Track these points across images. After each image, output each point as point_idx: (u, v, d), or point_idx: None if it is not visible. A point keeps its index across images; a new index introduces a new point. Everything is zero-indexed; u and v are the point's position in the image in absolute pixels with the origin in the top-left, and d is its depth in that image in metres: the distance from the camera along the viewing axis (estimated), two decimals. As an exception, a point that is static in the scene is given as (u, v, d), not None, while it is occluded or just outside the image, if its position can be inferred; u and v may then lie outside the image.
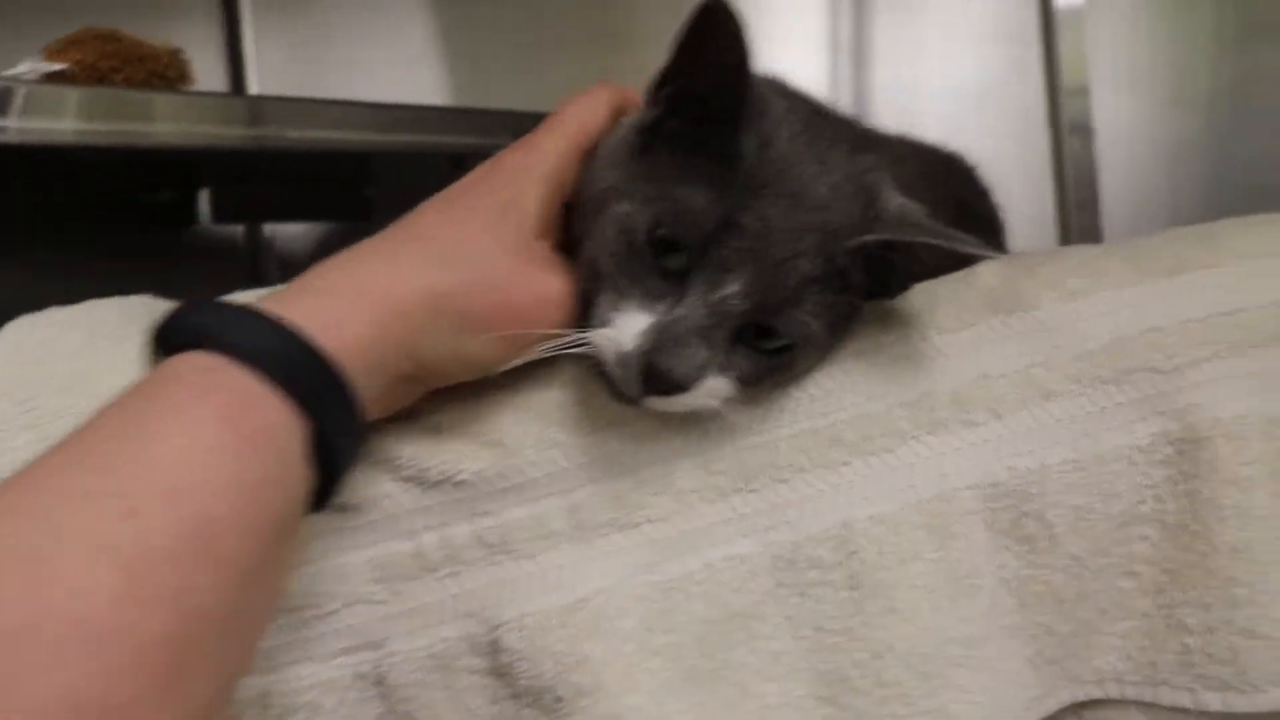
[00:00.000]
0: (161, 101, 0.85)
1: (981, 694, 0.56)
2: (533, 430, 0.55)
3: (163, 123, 0.84)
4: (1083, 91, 1.45)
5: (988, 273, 0.61)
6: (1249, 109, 1.46)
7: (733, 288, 0.53)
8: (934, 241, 0.55)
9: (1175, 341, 0.58)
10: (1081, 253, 0.63)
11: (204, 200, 1.22)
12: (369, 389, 0.48)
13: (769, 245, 0.53)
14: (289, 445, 0.44)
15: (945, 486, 0.57)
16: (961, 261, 0.60)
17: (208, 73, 1.24)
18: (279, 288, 0.50)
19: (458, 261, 0.51)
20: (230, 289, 0.59)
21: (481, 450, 0.55)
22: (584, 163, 0.59)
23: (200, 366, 0.43)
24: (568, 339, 0.54)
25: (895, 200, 0.57)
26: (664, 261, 0.54)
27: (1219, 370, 0.58)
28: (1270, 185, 1.41)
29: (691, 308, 0.53)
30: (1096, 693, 0.60)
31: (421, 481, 0.54)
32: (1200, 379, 0.58)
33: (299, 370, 0.44)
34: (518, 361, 0.54)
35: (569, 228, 0.59)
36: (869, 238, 0.55)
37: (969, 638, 0.56)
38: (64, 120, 0.79)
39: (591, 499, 0.55)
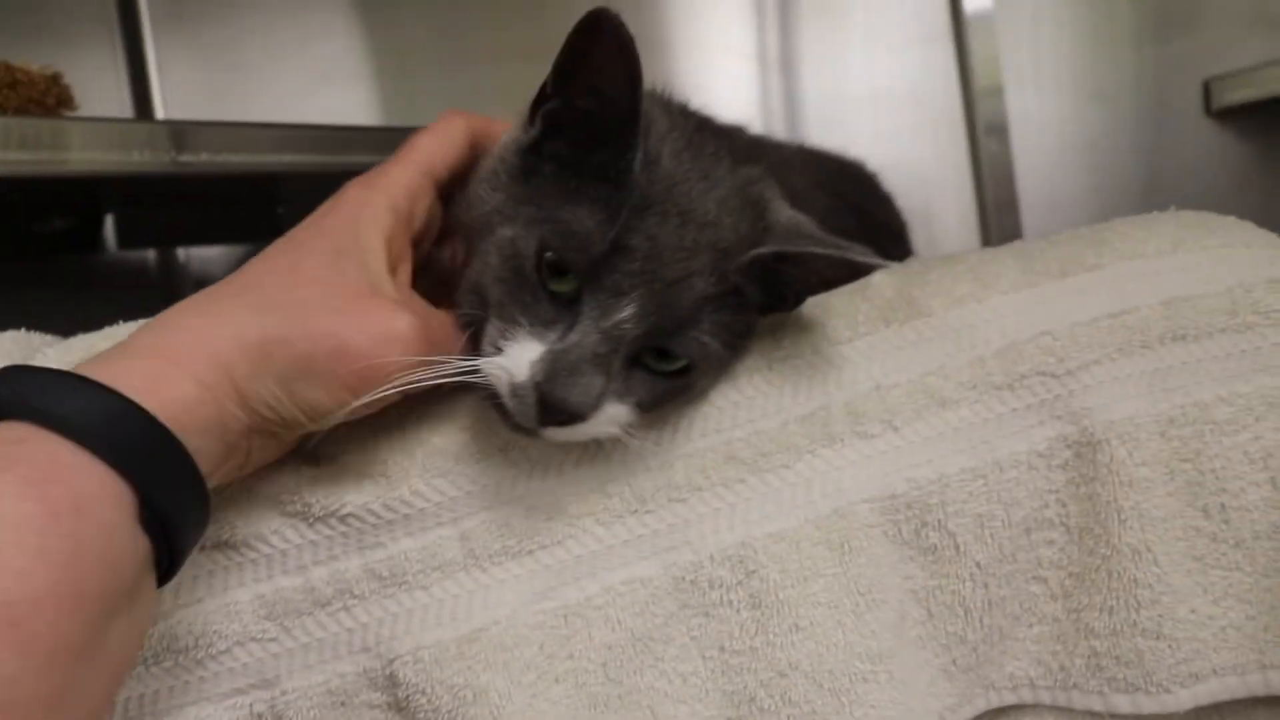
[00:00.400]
0: (70, 129, 0.83)
1: (892, 708, 0.56)
2: (418, 459, 0.54)
3: (71, 150, 0.82)
4: (996, 92, 1.46)
5: (881, 282, 0.60)
6: (1161, 102, 1.48)
7: (626, 312, 0.51)
8: (823, 252, 0.54)
9: (1066, 345, 0.58)
10: (973, 257, 0.63)
11: (109, 226, 1.19)
12: (205, 448, 0.45)
13: (661, 266, 0.52)
14: (109, 514, 0.41)
15: (843, 501, 0.56)
16: (856, 271, 0.59)
17: (111, 98, 1.21)
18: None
19: (281, 307, 0.48)
20: (145, 314, 0.57)
21: (365, 483, 0.53)
22: (455, 189, 0.58)
23: (7, 438, 0.40)
24: (454, 368, 0.52)
25: (784, 212, 0.57)
26: (553, 287, 0.53)
27: (1110, 372, 0.58)
28: (1184, 176, 1.43)
29: (585, 334, 0.51)
30: (1011, 699, 0.60)
31: (306, 516, 0.53)
32: (1091, 381, 0.58)
33: (115, 433, 0.41)
34: (366, 400, 0.50)
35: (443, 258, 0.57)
36: (760, 251, 0.54)
37: (876, 652, 0.56)
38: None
39: (483, 527, 0.54)
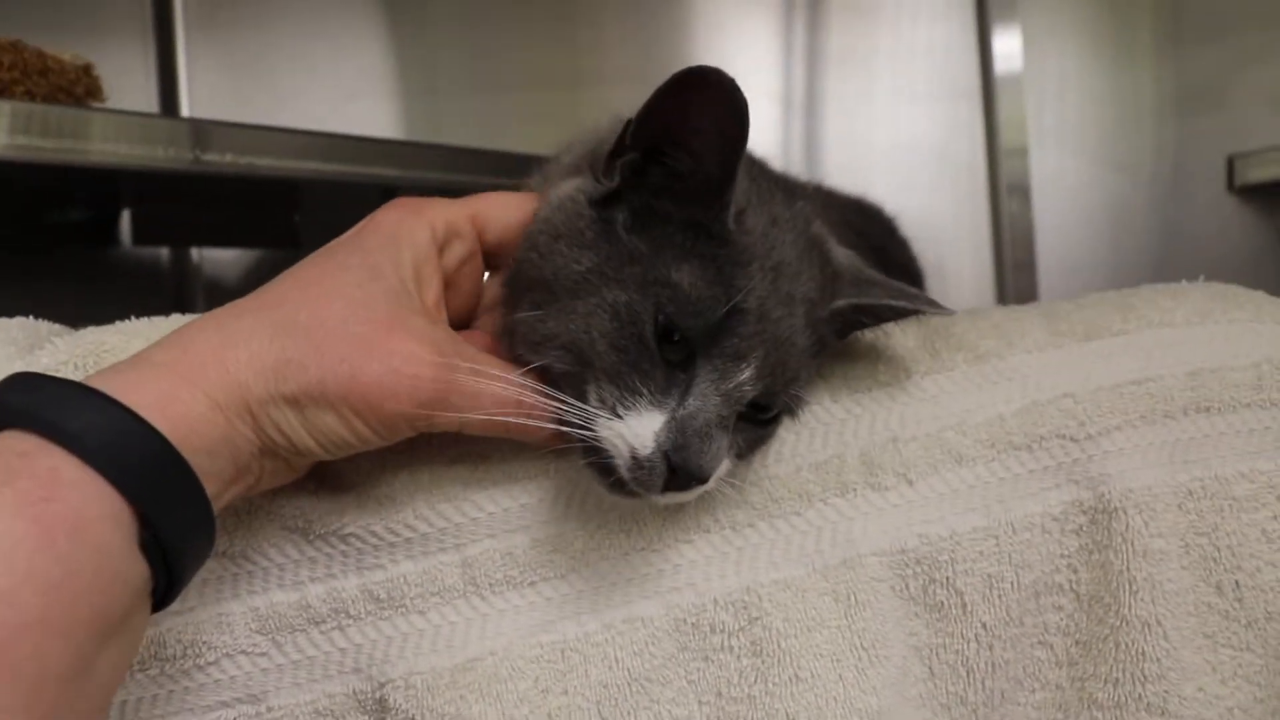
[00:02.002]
0: (94, 120, 0.83)
1: (888, 765, 0.55)
2: (424, 483, 0.53)
3: (94, 141, 0.82)
4: (1021, 152, 1.46)
5: (902, 333, 0.60)
6: (1183, 175, 1.48)
7: (746, 374, 0.50)
8: (898, 304, 0.54)
9: (1087, 408, 0.57)
10: (998, 314, 0.62)
11: (125, 222, 1.19)
12: (214, 469, 0.43)
13: (771, 325, 0.51)
14: (108, 537, 0.39)
15: (852, 552, 0.55)
16: (894, 312, 0.57)
17: (139, 93, 1.22)
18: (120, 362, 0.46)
19: (301, 329, 0.46)
20: (153, 313, 0.56)
21: (368, 503, 0.52)
22: (512, 243, 0.55)
23: (12, 449, 0.39)
24: (569, 432, 0.50)
25: (841, 253, 0.56)
26: (667, 351, 0.50)
27: (1130, 439, 0.57)
28: (1203, 249, 1.43)
29: (706, 398, 0.50)
30: (1008, 764, 0.58)
31: (306, 533, 0.52)
32: (1112, 448, 0.57)
33: (123, 453, 0.40)
34: (468, 418, 0.48)
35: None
36: (842, 303, 0.53)
37: (875, 709, 0.55)
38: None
39: (486, 556, 0.53)
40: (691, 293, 0.49)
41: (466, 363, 0.48)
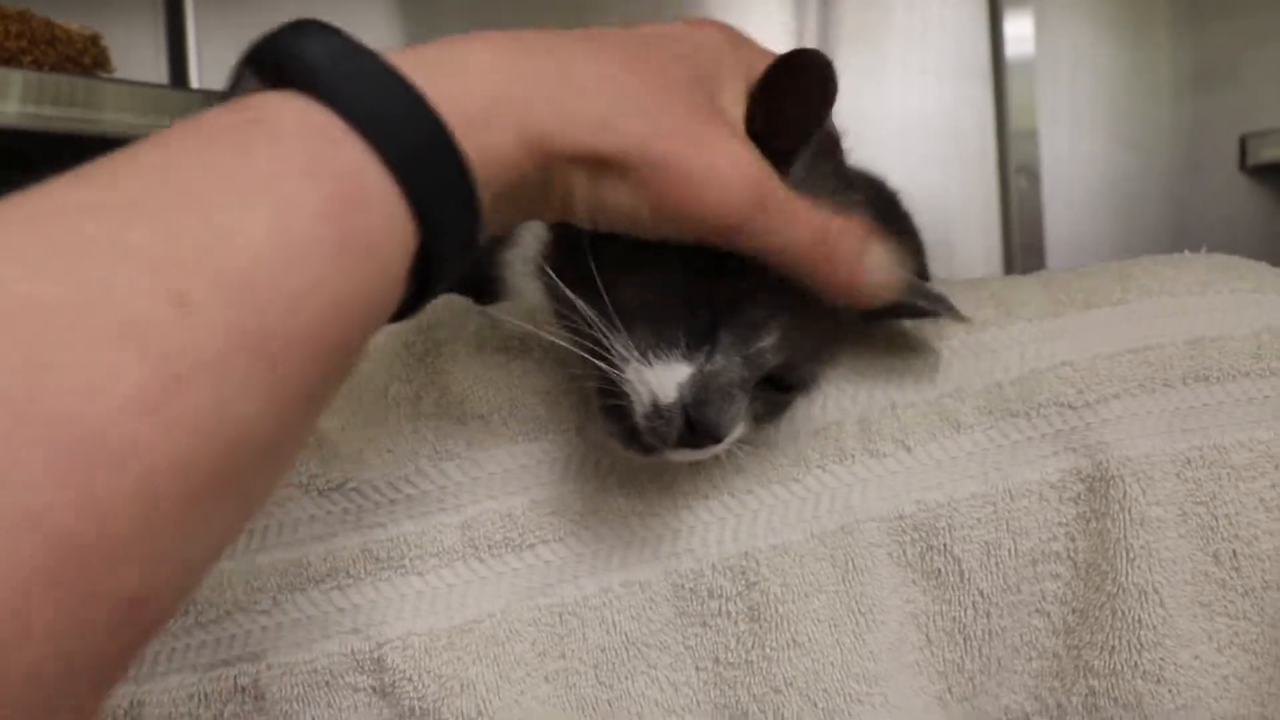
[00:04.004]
0: (105, 90, 0.83)
1: (885, 731, 0.55)
2: (428, 440, 0.53)
3: (105, 111, 0.82)
4: (1031, 135, 1.46)
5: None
6: (1195, 156, 1.47)
7: (767, 341, 0.50)
8: (916, 305, 0.54)
9: (1086, 376, 0.57)
10: (996, 283, 0.62)
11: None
12: (493, 215, 0.39)
13: (801, 300, 0.50)
14: (391, 256, 0.35)
15: (850, 518, 0.56)
16: (912, 312, 0.58)
17: (148, 65, 1.22)
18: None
19: (630, 95, 0.42)
20: None
21: (370, 457, 0.53)
22: None
23: (304, 122, 0.34)
24: (599, 365, 0.50)
25: None
26: (702, 312, 0.50)
27: (1129, 408, 0.57)
28: (1214, 229, 1.42)
29: (729, 358, 0.50)
30: (1004, 733, 0.59)
31: (308, 488, 0.53)
32: (1110, 416, 0.57)
33: (423, 160, 0.35)
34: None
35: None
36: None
37: (873, 674, 0.55)
38: (7, 103, 0.77)
39: (485, 517, 0.54)
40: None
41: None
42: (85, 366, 0.27)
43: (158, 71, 1.24)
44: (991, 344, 0.58)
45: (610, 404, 0.51)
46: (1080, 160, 1.47)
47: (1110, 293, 0.60)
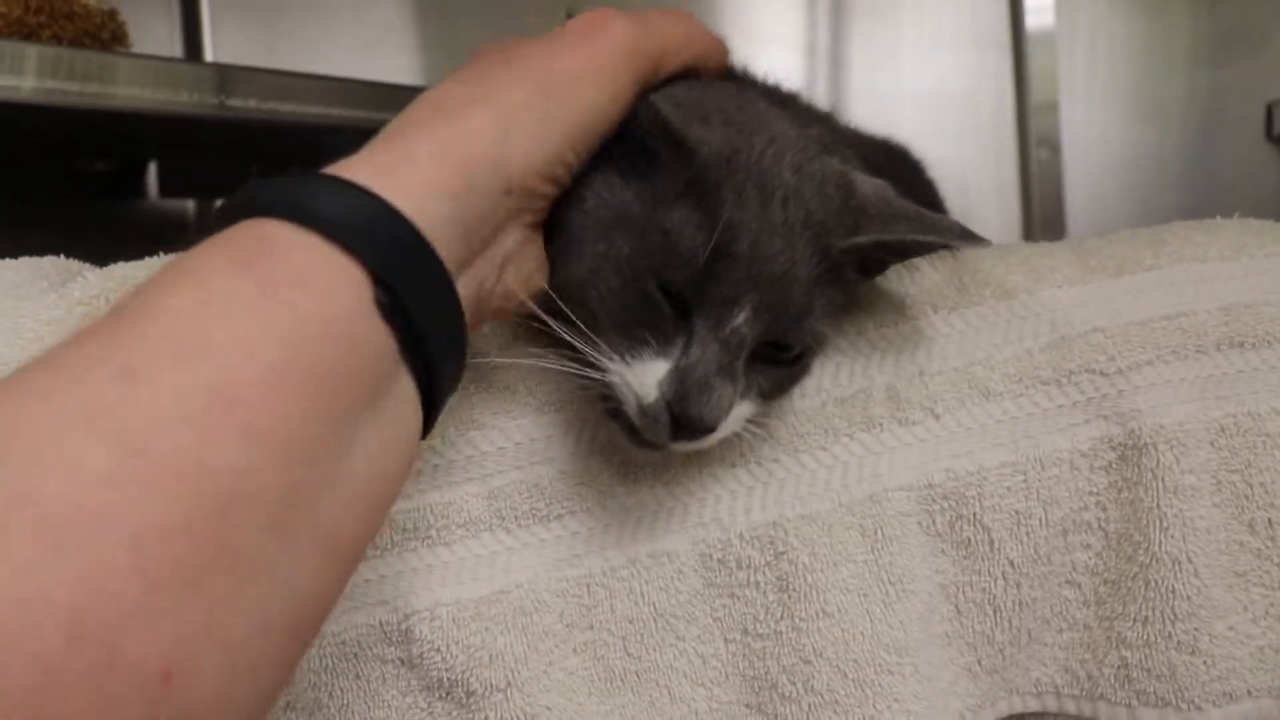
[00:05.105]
0: (119, 64, 0.83)
1: (915, 702, 0.55)
2: (454, 408, 0.53)
3: (118, 85, 0.82)
4: (1052, 106, 1.44)
5: (929, 267, 0.59)
6: (1217, 125, 1.45)
7: (740, 318, 0.49)
8: (926, 239, 0.52)
9: (1118, 343, 0.56)
10: (1026, 249, 0.61)
11: (151, 173, 1.20)
12: (450, 223, 0.41)
13: (765, 263, 0.49)
14: (335, 291, 0.36)
15: (878, 487, 0.55)
16: (922, 247, 0.55)
17: (163, 40, 1.22)
18: None
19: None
20: None
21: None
22: None
23: (233, 232, 0.37)
24: (585, 373, 0.50)
25: (869, 184, 0.54)
26: (671, 303, 0.49)
27: (1162, 375, 0.56)
28: (1239, 199, 1.41)
29: (705, 346, 0.49)
30: (1034, 705, 0.59)
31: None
32: (1142, 383, 0.56)
33: (335, 206, 0.37)
34: None
35: None
36: (861, 239, 0.51)
37: (903, 644, 0.55)
38: (24, 78, 0.77)
39: (512, 487, 0.53)
40: (679, 243, 0.49)
41: None
42: (62, 455, 0.29)
43: (171, 45, 1.24)
44: (1021, 311, 0.57)
45: (611, 406, 0.51)
46: (1101, 132, 1.45)
47: (1142, 258, 0.59)
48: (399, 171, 0.40)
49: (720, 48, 0.54)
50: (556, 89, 0.46)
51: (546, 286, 0.51)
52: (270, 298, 0.34)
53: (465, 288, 0.43)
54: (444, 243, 0.40)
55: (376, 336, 0.37)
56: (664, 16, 0.51)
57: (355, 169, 0.39)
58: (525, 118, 0.44)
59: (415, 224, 0.39)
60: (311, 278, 0.36)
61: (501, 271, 0.46)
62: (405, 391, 0.39)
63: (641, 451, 0.53)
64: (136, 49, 0.92)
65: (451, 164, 0.42)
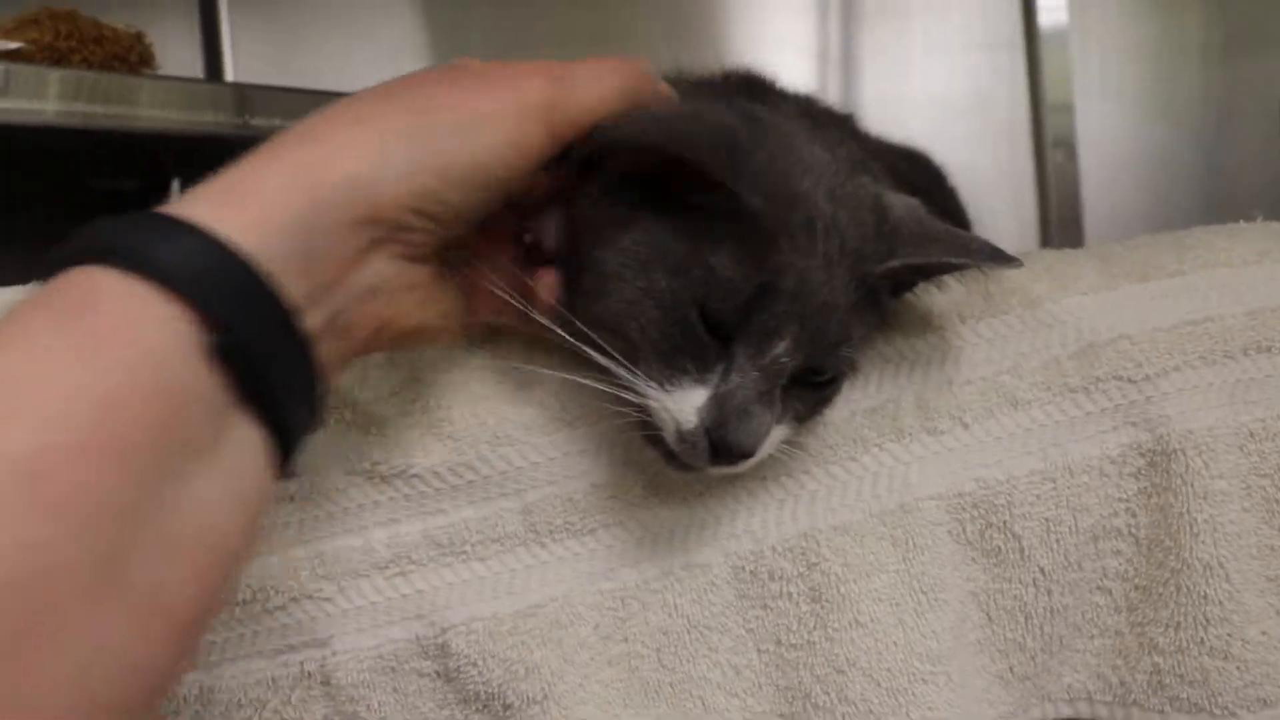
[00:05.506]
0: (142, 86, 0.84)
1: (948, 710, 0.55)
2: (489, 426, 0.53)
3: (141, 107, 0.83)
4: (1067, 107, 1.44)
5: (954, 278, 0.59)
6: (1233, 123, 1.45)
7: (781, 347, 0.50)
8: (956, 260, 0.52)
9: (1145, 349, 0.57)
10: (1050, 256, 0.62)
11: (175, 192, 1.21)
12: (294, 256, 0.39)
13: (808, 297, 0.50)
14: (156, 342, 0.34)
15: (909, 497, 0.55)
16: (954, 267, 0.55)
17: (184, 61, 1.23)
18: None
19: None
20: None
21: (432, 444, 0.53)
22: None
23: (62, 282, 0.35)
24: (625, 401, 0.50)
25: (899, 204, 0.54)
26: (710, 332, 0.50)
27: (1189, 380, 0.56)
28: (1255, 198, 1.40)
29: (745, 373, 0.49)
30: (1067, 711, 0.59)
31: (371, 475, 0.53)
32: (1170, 389, 0.56)
33: (166, 250, 0.35)
34: None
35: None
36: (895, 263, 0.52)
37: (935, 653, 0.55)
38: (46, 101, 0.78)
39: (546, 502, 0.54)
40: (723, 274, 0.49)
41: None
42: None
43: (194, 68, 1.25)
44: (1047, 319, 0.57)
45: (649, 433, 0.51)
46: (1117, 132, 1.45)
47: (1165, 264, 0.59)
48: (244, 203, 0.38)
49: (645, 79, 0.51)
50: (450, 125, 0.44)
51: (577, 320, 0.51)
52: (87, 359, 0.33)
53: (315, 320, 0.40)
54: (290, 276, 0.38)
55: (200, 385, 0.36)
56: (588, 68, 0.49)
57: (197, 204, 0.38)
58: (403, 146, 0.43)
59: (253, 260, 0.37)
60: (133, 329, 0.34)
61: (364, 304, 0.43)
62: (246, 435, 0.38)
63: (679, 475, 0.53)
64: (160, 72, 0.93)
65: (301, 191, 0.40)
